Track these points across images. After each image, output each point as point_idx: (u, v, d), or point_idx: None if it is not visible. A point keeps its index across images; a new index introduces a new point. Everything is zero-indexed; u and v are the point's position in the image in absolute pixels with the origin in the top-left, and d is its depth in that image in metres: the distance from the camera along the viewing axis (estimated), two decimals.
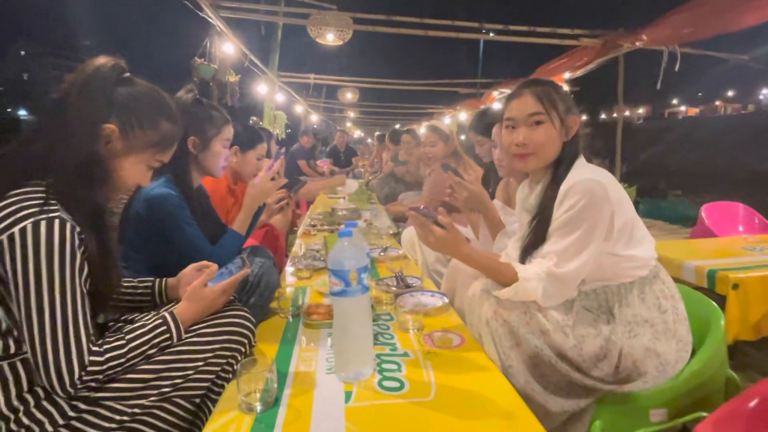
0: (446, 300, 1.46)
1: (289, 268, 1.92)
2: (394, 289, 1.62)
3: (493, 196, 1.97)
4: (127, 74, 0.96)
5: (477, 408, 0.91)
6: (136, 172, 0.98)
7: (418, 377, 1.03)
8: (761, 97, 62.48)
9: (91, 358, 0.84)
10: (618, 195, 1.12)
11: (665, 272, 1.22)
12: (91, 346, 0.84)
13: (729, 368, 1.22)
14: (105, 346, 0.87)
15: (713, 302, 1.27)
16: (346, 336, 1.02)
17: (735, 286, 1.82)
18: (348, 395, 0.96)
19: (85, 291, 0.85)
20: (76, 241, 0.82)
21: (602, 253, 1.13)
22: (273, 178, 1.60)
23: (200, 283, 1.04)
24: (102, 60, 0.93)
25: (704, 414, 1.08)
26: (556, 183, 1.16)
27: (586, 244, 1.09)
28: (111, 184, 0.94)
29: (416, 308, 1.38)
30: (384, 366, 1.08)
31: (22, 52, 53.84)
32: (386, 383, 1.00)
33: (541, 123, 1.18)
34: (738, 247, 2.27)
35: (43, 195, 0.83)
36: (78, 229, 0.83)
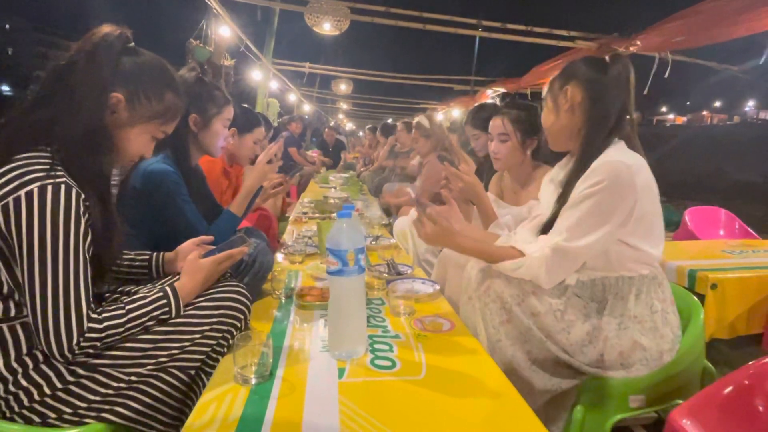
0: (437, 287, 1.49)
1: (280, 254, 1.93)
2: (385, 275, 1.65)
3: (486, 189, 2.01)
4: (132, 44, 0.96)
5: (466, 387, 0.94)
6: (140, 143, 0.98)
7: (409, 357, 1.06)
8: (747, 109, 63.82)
9: (90, 324, 0.85)
10: (646, 183, 1.11)
11: (664, 277, 1.23)
12: (90, 313, 0.85)
13: (706, 359, 1.28)
14: (104, 314, 0.88)
15: (694, 296, 1.32)
16: (341, 315, 1.05)
17: (713, 286, 1.89)
18: (341, 371, 0.99)
19: (87, 258, 0.86)
20: (81, 208, 0.83)
21: (614, 239, 1.13)
22: (270, 161, 1.61)
23: (196, 256, 1.05)
24: (108, 29, 0.93)
25: (680, 402, 1.13)
26: (582, 162, 1.17)
27: (600, 225, 1.09)
28: (115, 153, 0.94)
29: (408, 294, 1.41)
30: (376, 346, 1.10)
31: (7, 26, 52.31)
32: (378, 362, 1.03)
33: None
34: (718, 249, 2.35)
35: (50, 160, 0.83)
36: (83, 195, 0.84)
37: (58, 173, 0.82)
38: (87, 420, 0.86)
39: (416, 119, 3.39)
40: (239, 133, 2.00)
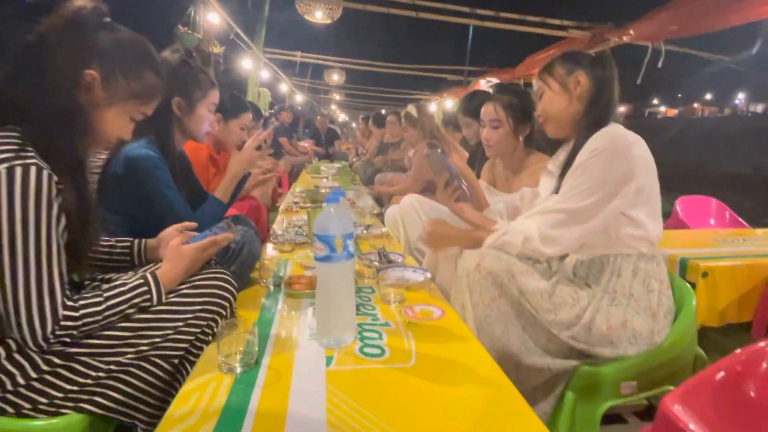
0: (428, 275, 1.47)
1: (270, 243, 1.90)
2: (376, 264, 1.62)
3: (478, 177, 1.98)
4: (108, 19, 0.92)
5: (456, 374, 0.93)
6: (118, 124, 0.94)
7: (398, 345, 1.04)
8: (737, 101, 64.36)
9: (66, 312, 0.81)
10: (643, 157, 1.15)
11: (662, 258, 1.24)
12: (65, 300, 0.82)
13: (697, 346, 1.27)
14: (81, 302, 0.84)
15: (687, 283, 1.31)
16: (329, 302, 1.02)
17: (704, 275, 1.88)
18: (329, 359, 0.96)
19: (61, 243, 0.82)
20: (53, 191, 0.79)
21: (614, 211, 1.14)
22: (259, 147, 1.57)
23: (179, 243, 1.01)
24: (81, 2, 0.87)
25: (672, 388, 1.12)
26: (584, 138, 1.21)
27: (596, 190, 1.12)
28: (92, 134, 0.90)
29: (398, 282, 1.39)
30: (365, 334, 1.08)
31: None
32: (367, 350, 1.01)
33: (542, 94, 1.36)
34: (709, 238, 2.35)
35: (19, 141, 0.79)
36: (56, 178, 0.80)
37: (27, 154, 0.78)
38: (64, 411, 0.84)
39: (405, 110, 3.38)
40: (225, 118, 1.95)
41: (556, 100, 1.30)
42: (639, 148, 1.14)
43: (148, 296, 0.93)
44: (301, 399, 0.82)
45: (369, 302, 1.29)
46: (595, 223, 1.13)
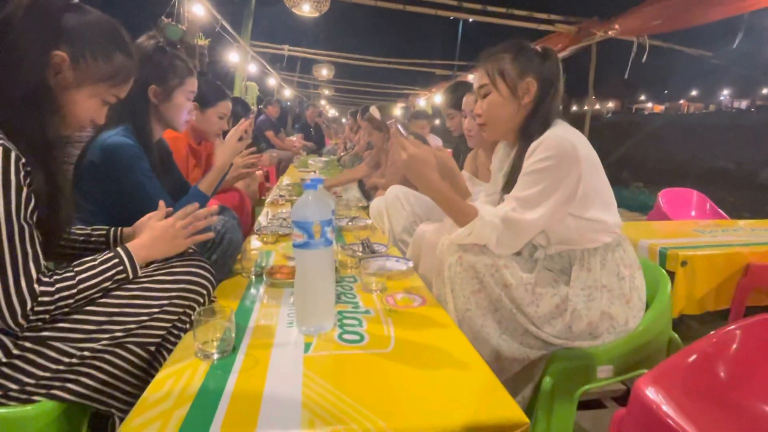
0: (410, 264, 1.48)
1: (254, 235, 1.89)
2: (359, 254, 1.62)
3: (461, 168, 1.99)
4: (77, 1, 0.90)
5: (435, 359, 0.93)
6: (89, 107, 0.93)
7: (378, 331, 1.04)
8: (722, 98, 65.36)
9: (42, 288, 0.81)
10: (589, 157, 1.14)
11: (627, 242, 1.26)
12: (41, 276, 0.81)
13: (672, 330, 1.29)
14: (55, 277, 0.84)
15: (662, 269, 1.33)
16: (307, 289, 1.02)
17: (684, 263, 1.92)
18: (308, 346, 0.96)
19: (32, 224, 0.81)
20: (22, 172, 0.78)
21: (567, 214, 1.15)
22: (241, 138, 1.55)
23: (155, 220, 1.01)
24: None
25: (646, 371, 1.14)
26: (528, 142, 1.17)
27: (546, 198, 1.11)
28: (61, 115, 0.89)
29: (380, 271, 1.39)
30: (345, 321, 1.08)
31: None
32: (346, 336, 1.01)
33: (488, 94, 1.26)
34: (689, 229, 2.39)
35: None
36: (23, 160, 0.78)
37: None
38: (36, 398, 0.82)
39: (368, 112, 3.28)
40: (202, 107, 1.92)
41: (503, 106, 1.24)
42: (583, 147, 1.13)
43: (122, 267, 0.92)
44: (278, 383, 0.82)
45: (350, 291, 1.30)
46: (543, 225, 1.15)
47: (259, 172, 3.21)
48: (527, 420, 0.74)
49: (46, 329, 0.84)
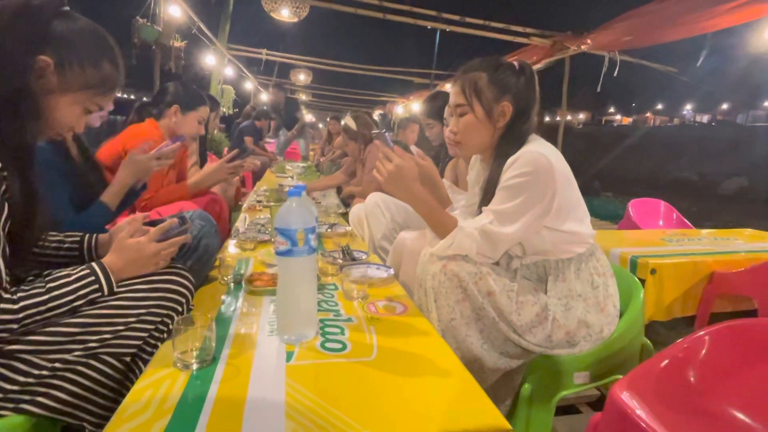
0: (391, 272, 1.48)
1: (232, 240, 1.86)
2: (340, 261, 1.62)
3: (442, 176, 2.01)
4: (67, 8, 0.88)
5: (417, 367, 0.93)
6: (70, 114, 0.90)
7: (360, 340, 1.04)
8: (685, 112, 68.33)
9: (3, 305, 0.77)
10: (563, 172, 1.17)
11: (600, 250, 1.30)
12: (2, 293, 0.77)
13: (644, 336, 1.34)
14: (20, 294, 0.80)
15: (635, 277, 1.38)
16: (290, 297, 1.01)
17: (653, 271, 1.99)
18: (289, 355, 0.95)
19: (3, 233, 0.77)
20: None
21: (542, 226, 1.18)
22: (159, 158, 1.49)
23: (125, 234, 0.98)
24: None
25: (620, 377, 1.18)
26: (504, 158, 1.20)
27: (523, 213, 1.14)
28: (42, 121, 0.86)
29: (361, 279, 1.39)
30: (327, 330, 1.08)
31: None
32: (329, 344, 1.00)
33: (464, 114, 1.25)
34: (657, 238, 2.49)
35: None
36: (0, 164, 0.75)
37: None
38: (3, 412, 0.79)
39: (343, 121, 3.27)
40: (182, 110, 1.92)
41: (478, 128, 1.24)
42: (557, 160, 1.15)
43: (96, 286, 0.89)
44: (260, 393, 0.80)
45: (332, 299, 1.29)
46: (520, 238, 1.17)
47: (236, 178, 3.17)
48: (509, 426, 0.75)
49: (14, 342, 0.81)
